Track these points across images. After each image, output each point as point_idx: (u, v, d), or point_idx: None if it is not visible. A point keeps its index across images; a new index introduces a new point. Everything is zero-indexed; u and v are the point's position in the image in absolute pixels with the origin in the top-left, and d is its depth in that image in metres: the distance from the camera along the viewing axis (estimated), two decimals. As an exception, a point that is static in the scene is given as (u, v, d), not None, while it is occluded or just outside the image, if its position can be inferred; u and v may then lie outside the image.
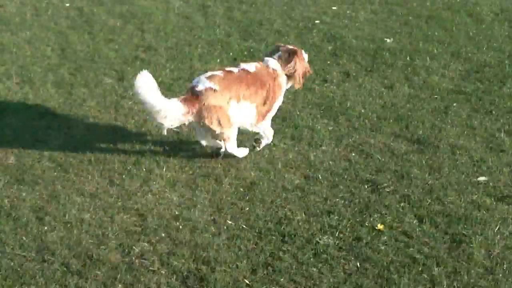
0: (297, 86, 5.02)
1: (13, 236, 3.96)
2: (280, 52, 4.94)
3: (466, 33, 7.01)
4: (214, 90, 4.60)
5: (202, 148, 4.89)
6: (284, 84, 4.95)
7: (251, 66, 4.86)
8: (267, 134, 4.94)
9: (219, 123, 4.63)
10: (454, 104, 5.52)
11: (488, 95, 5.67)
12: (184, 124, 4.61)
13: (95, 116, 5.34)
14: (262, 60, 4.95)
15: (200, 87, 4.61)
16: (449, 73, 6.09)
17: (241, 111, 4.73)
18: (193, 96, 4.59)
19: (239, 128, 4.75)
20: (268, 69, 4.88)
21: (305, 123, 5.29)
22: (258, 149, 4.90)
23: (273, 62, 4.90)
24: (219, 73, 4.73)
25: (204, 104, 4.56)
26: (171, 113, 4.47)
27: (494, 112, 5.38)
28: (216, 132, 4.66)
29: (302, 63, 4.97)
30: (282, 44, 5.09)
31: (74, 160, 4.71)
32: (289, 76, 4.93)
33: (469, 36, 6.92)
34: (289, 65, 4.86)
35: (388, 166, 4.67)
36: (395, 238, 3.96)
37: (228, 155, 4.79)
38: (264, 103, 4.83)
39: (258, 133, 4.88)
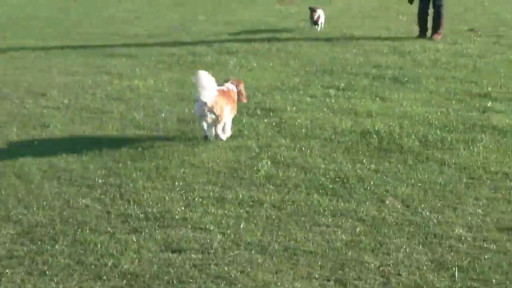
0: (244, 100, 9.42)
1: None
2: (231, 81, 9.29)
3: (15, 195, 7.39)
4: (217, 95, 8.52)
5: None
6: (236, 97, 9.18)
7: (225, 88, 8.97)
8: (229, 128, 9.01)
9: (220, 110, 8.52)
10: (7, 271, 5.79)
11: (41, 255, 6.05)
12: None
13: None
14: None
15: None
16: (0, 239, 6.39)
17: (226, 108, 8.65)
18: None
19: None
20: (229, 89, 9.05)
21: None
22: (225, 136, 8.93)
23: (231, 85, 9.16)
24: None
25: (215, 100, 8.50)
26: (211, 90, 8.40)
27: (48, 272, 5.76)
28: (217, 115, 8.54)
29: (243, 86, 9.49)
30: (230, 77, 9.98)
31: None
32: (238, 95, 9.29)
33: (18, 198, 7.30)
34: (242, 86, 9.35)
35: None
36: None
37: None
38: (231, 106, 8.92)
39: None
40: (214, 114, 8.53)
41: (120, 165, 8.16)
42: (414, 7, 16.35)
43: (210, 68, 12.69)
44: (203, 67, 12.60)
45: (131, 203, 7.11)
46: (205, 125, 8.71)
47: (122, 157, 8.44)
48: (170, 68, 12.92)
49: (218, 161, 8.24)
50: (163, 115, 10.02)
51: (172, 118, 9.92)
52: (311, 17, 16.18)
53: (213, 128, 8.71)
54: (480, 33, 15.96)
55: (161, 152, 8.51)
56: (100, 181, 7.69)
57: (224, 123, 8.83)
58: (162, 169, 8.00)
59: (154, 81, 11.96)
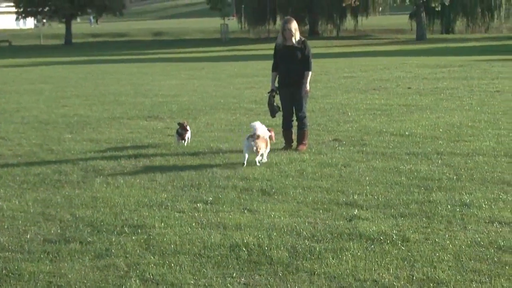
0: (273, 140, 15.15)
1: None
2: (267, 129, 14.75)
3: None
4: (259, 135, 14.11)
5: None
6: (268, 139, 14.50)
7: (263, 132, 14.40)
8: (265, 158, 14.38)
9: (260, 147, 13.99)
10: None
11: None
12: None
13: None
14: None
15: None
16: None
17: (264, 145, 14.19)
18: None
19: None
20: (263, 134, 14.21)
21: None
22: (264, 161, 14.37)
23: (268, 132, 14.63)
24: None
25: (258, 137, 14.03)
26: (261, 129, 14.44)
27: None
28: (258, 150, 13.96)
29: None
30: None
31: None
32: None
33: None
34: (272, 132, 15.21)
35: None
36: None
37: None
38: (266, 145, 14.33)
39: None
40: (257, 148, 13.85)
41: (-18, 291, 8.00)
42: (279, 119, 16.90)
43: (76, 186, 12.70)
44: (69, 186, 12.60)
45: (-6, 330, 6.98)
46: (247, 156, 14.05)
47: (-14, 281, 8.28)
48: (35, 187, 12.82)
49: (85, 281, 8.20)
50: (28, 236, 9.90)
51: (38, 239, 9.82)
52: (179, 132, 16.43)
53: (257, 156, 14.10)
54: (344, 142, 16.62)
55: (26, 274, 8.40)
56: (-39, 309, 7.51)
57: (262, 155, 14.16)
58: (28, 292, 7.90)
59: (19, 201, 11.82)
